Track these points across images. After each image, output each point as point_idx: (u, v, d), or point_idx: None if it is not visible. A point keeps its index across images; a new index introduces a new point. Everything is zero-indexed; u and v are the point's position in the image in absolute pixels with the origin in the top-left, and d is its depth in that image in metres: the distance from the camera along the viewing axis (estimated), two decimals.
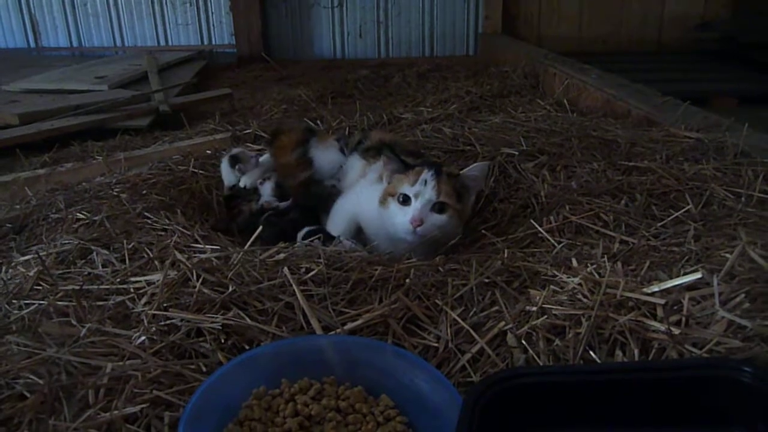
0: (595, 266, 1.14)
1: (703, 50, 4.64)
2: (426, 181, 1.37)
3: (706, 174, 1.59)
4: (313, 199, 1.75)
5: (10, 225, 1.64)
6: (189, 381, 0.94)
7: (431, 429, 0.87)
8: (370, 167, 1.68)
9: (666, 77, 3.70)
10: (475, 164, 1.47)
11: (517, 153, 1.87)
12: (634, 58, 4.53)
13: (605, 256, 1.22)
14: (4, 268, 1.38)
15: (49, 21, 4.76)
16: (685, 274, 1.04)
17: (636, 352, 0.93)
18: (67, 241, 1.40)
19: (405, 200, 1.39)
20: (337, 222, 1.59)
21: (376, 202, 1.47)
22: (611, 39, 4.84)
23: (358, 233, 1.56)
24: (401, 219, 1.38)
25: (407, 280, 1.15)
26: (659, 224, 1.38)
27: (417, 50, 4.83)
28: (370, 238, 1.52)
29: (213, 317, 1.04)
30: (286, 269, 1.14)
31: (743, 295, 0.96)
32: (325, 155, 1.81)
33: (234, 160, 1.80)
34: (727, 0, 4.84)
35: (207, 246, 1.31)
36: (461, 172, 1.45)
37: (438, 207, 1.38)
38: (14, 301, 1.20)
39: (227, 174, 1.83)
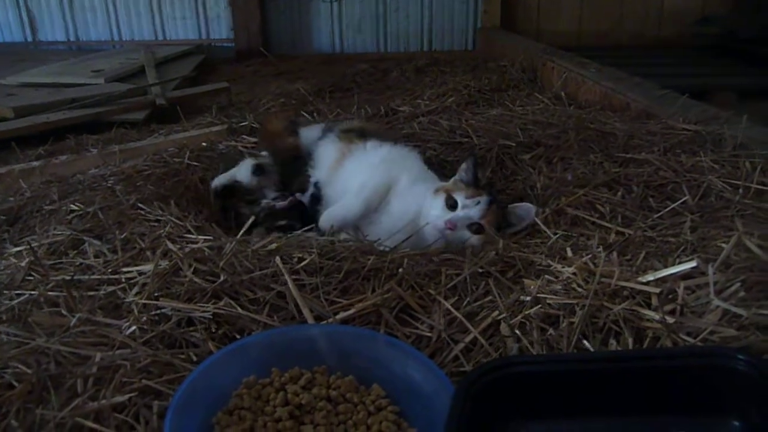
0: (590, 256, 1.13)
1: (702, 45, 4.62)
2: (479, 202, 1.39)
3: (704, 166, 1.58)
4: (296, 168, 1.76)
5: (3, 217, 1.63)
6: (179, 370, 0.94)
7: (423, 418, 0.87)
8: (349, 151, 1.67)
9: (665, 72, 3.68)
10: (523, 204, 1.46)
11: (514, 145, 1.86)
12: (634, 52, 4.51)
13: (601, 246, 1.21)
14: None
15: (46, 15, 4.73)
16: (681, 263, 1.03)
17: (630, 341, 0.92)
18: (59, 232, 1.39)
19: (452, 205, 1.40)
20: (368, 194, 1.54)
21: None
22: (611, 34, 4.82)
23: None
24: (438, 213, 1.40)
25: (400, 270, 1.14)
26: (656, 216, 1.38)
27: (415, 45, 4.81)
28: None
29: (204, 306, 1.04)
30: (278, 258, 1.13)
31: (738, 284, 0.96)
32: (310, 132, 1.87)
33: (259, 170, 1.77)
34: None
35: (199, 236, 1.30)
36: (509, 206, 1.45)
37: (475, 228, 1.38)
38: (5, 291, 1.19)
39: (244, 175, 1.78)
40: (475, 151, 1.51)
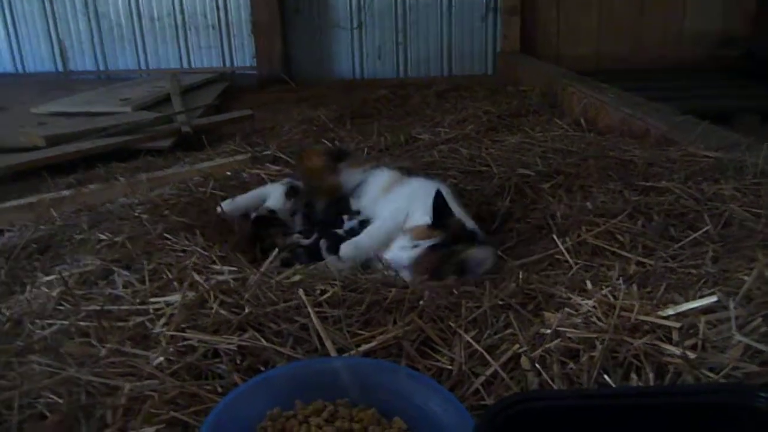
0: (610, 289, 1.13)
1: (723, 67, 4.60)
2: (417, 246, 1.41)
3: (725, 194, 1.58)
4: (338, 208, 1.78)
5: (35, 245, 1.68)
6: (205, 402, 0.96)
7: None
8: (399, 181, 1.70)
9: (686, 95, 3.68)
10: (479, 250, 1.43)
11: (533, 174, 1.87)
12: (654, 75, 4.50)
13: (621, 277, 1.21)
14: (28, 288, 1.41)
15: (76, 46, 4.90)
16: (701, 297, 1.03)
17: (651, 376, 0.92)
18: (89, 262, 1.43)
19: (415, 245, 1.42)
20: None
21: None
22: (630, 57, 4.82)
23: None
24: (399, 251, 1.43)
25: (421, 302, 1.15)
26: (677, 245, 1.37)
27: (435, 69, 4.86)
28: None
29: (229, 338, 1.06)
30: (301, 291, 1.15)
31: (760, 319, 0.95)
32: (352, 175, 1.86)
33: (293, 192, 1.80)
34: (748, 16, 4.80)
35: (225, 267, 1.33)
36: (467, 253, 1.42)
37: (420, 268, 1.39)
38: (37, 320, 1.22)
39: (277, 200, 1.81)
40: (440, 189, 1.50)
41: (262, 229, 1.74)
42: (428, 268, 1.39)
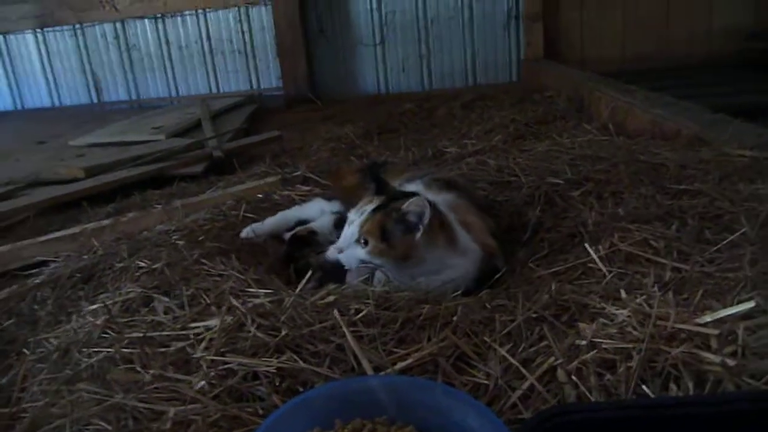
0: (644, 297, 1.12)
1: (752, 61, 4.49)
2: (361, 213, 1.40)
3: (762, 194, 1.55)
4: None
5: (79, 275, 1.74)
6: (246, 424, 0.98)
7: None
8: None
9: (716, 92, 3.60)
10: (411, 200, 1.39)
11: (562, 182, 1.86)
12: (683, 73, 4.43)
13: (656, 284, 1.20)
14: (74, 317, 1.46)
15: (110, 77, 5.07)
16: (740, 302, 1.01)
17: (690, 385, 0.91)
18: (131, 290, 1.48)
19: (348, 221, 1.44)
20: None
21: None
22: (656, 56, 4.75)
23: None
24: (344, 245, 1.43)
25: (454, 318, 1.16)
26: (713, 249, 1.35)
27: (460, 80, 4.88)
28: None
29: (268, 361, 1.08)
30: (336, 311, 1.17)
31: None
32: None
33: (341, 223, 1.81)
34: None
35: (260, 290, 1.36)
36: (402, 207, 1.39)
37: (363, 241, 1.39)
38: (84, 349, 1.27)
39: (324, 226, 1.82)
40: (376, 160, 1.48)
41: (296, 250, 1.77)
42: (375, 228, 1.38)
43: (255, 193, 2.22)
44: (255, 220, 1.91)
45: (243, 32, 4.91)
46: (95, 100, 5.11)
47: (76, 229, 2.12)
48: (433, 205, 1.42)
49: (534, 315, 1.15)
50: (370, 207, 1.42)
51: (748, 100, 3.43)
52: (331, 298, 1.26)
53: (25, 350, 1.37)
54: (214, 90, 5.01)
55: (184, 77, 5.01)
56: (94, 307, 1.47)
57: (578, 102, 3.27)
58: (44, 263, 1.95)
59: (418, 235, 1.39)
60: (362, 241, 1.39)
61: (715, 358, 0.92)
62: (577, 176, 1.88)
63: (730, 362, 0.90)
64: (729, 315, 0.99)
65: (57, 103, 5.17)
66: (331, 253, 1.43)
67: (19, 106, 5.23)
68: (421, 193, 1.47)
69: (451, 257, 1.44)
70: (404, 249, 1.40)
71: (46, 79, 5.12)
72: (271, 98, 4.93)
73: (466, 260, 1.45)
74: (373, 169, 1.51)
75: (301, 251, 1.74)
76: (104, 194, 2.65)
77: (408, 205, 1.38)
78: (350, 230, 1.41)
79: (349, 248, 1.41)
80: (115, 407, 1.04)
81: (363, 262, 1.40)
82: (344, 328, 1.12)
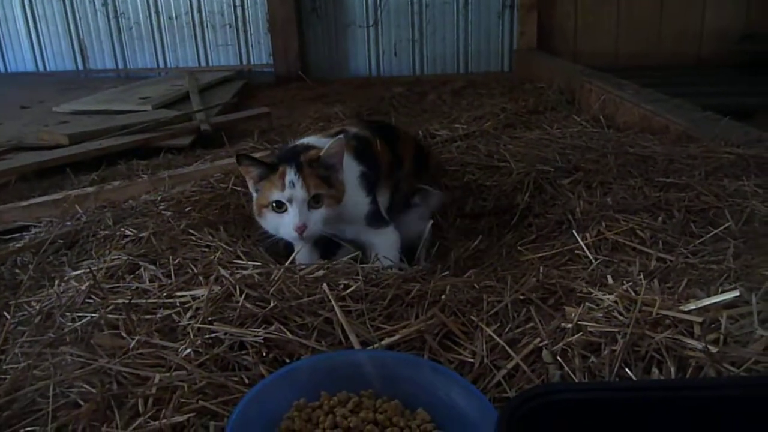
0: (631, 284, 1.14)
1: (743, 63, 4.54)
2: (293, 182, 1.34)
3: (747, 191, 1.57)
4: None
5: (62, 241, 1.72)
6: (232, 392, 0.98)
7: None
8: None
9: (707, 91, 3.64)
10: (330, 143, 1.38)
11: (552, 170, 1.88)
12: (674, 72, 4.46)
13: (642, 273, 1.22)
14: (57, 282, 1.45)
15: (96, 45, 4.97)
16: (723, 292, 1.03)
17: (673, 370, 0.93)
18: (116, 257, 1.47)
19: (279, 206, 1.36)
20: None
21: None
22: (649, 53, 4.78)
23: None
24: (285, 228, 1.37)
25: (443, 297, 1.17)
26: (698, 241, 1.37)
27: (452, 67, 4.86)
28: None
29: (255, 331, 1.08)
30: (325, 285, 1.17)
31: None
32: None
33: None
34: None
35: (249, 262, 1.35)
36: (320, 154, 1.38)
37: (314, 201, 1.35)
38: (67, 313, 1.26)
39: None
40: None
41: None
42: (317, 180, 1.36)
43: None
44: (244, 193, 1.89)
45: (235, 6, 4.84)
46: (81, 67, 5.01)
47: (59, 195, 2.09)
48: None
49: (521, 297, 1.17)
50: (293, 175, 1.34)
51: (736, 102, 3.47)
52: (321, 272, 1.26)
53: (5, 313, 1.35)
54: (203, 63, 4.94)
55: (173, 49, 4.93)
56: (78, 272, 1.45)
57: (569, 94, 3.28)
58: (25, 228, 1.92)
59: (340, 172, 1.39)
60: (314, 202, 1.35)
61: (698, 345, 0.94)
62: (567, 165, 1.90)
63: (713, 349, 0.92)
64: (713, 303, 1.01)
65: (41, 68, 5.06)
66: (293, 236, 1.37)
67: (2, 69, 5.12)
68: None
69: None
70: (341, 187, 1.40)
71: (31, 43, 5.01)
72: (260, 75, 4.88)
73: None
74: (247, 158, 1.44)
75: None
76: (89, 162, 2.61)
77: (329, 149, 1.37)
78: (296, 203, 1.34)
79: (309, 219, 1.35)
80: (99, 371, 1.03)
81: (326, 220, 1.37)
82: (333, 302, 1.12)
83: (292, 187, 1.34)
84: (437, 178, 1.93)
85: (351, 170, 1.47)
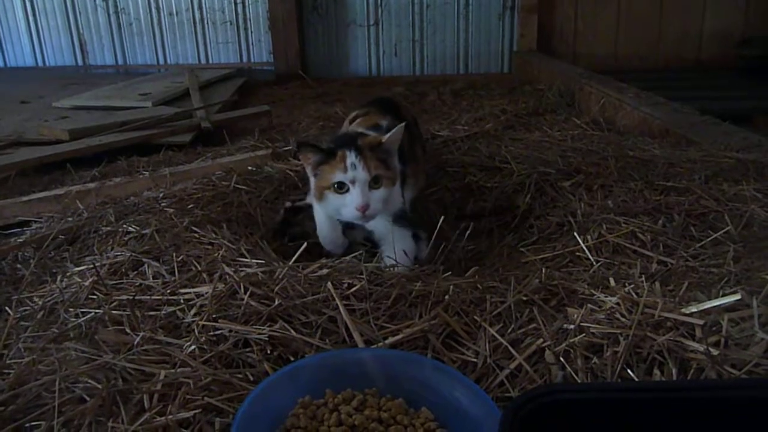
0: (632, 286, 1.15)
1: (744, 67, 4.57)
2: (354, 164, 1.40)
3: (746, 195, 1.59)
4: None
5: (63, 236, 1.72)
6: (237, 389, 0.99)
7: None
8: None
9: (706, 95, 3.66)
10: (394, 129, 1.46)
11: (553, 171, 1.89)
12: (673, 75, 4.48)
13: (643, 276, 1.23)
14: (59, 278, 1.45)
15: (96, 40, 4.96)
16: (724, 295, 1.04)
17: (674, 371, 0.94)
18: (119, 253, 1.47)
19: (341, 186, 1.43)
20: None
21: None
22: (649, 56, 4.80)
23: None
24: (348, 208, 1.43)
25: (446, 297, 1.17)
26: (698, 245, 1.38)
27: (452, 68, 4.87)
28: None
29: (260, 329, 1.09)
30: (329, 284, 1.18)
31: None
32: None
33: None
34: None
35: (253, 260, 1.36)
36: (383, 139, 1.46)
37: (374, 182, 1.42)
38: (71, 309, 1.26)
39: None
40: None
41: (292, 217, 1.78)
42: (380, 162, 1.43)
43: (246, 165, 2.21)
44: (246, 192, 1.90)
45: (235, 3, 4.84)
46: (80, 63, 5.00)
47: (60, 191, 2.09)
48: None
49: (524, 298, 1.17)
50: (354, 158, 1.41)
51: (734, 105, 3.49)
52: (324, 271, 1.27)
53: (7, 308, 1.35)
54: (203, 61, 4.93)
55: (174, 45, 4.92)
56: (81, 268, 1.45)
57: (569, 96, 3.29)
58: (26, 223, 1.92)
59: (395, 157, 1.48)
60: (373, 183, 1.42)
61: (699, 347, 0.95)
62: (568, 167, 1.91)
63: (714, 351, 0.93)
64: (714, 306, 1.02)
65: (41, 63, 5.05)
66: (356, 215, 1.43)
67: (1, 64, 5.10)
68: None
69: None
70: (396, 172, 1.48)
71: (31, 37, 5.00)
72: (260, 73, 4.88)
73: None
74: (305, 145, 1.51)
75: (295, 217, 1.74)
76: (89, 158, 2.61)
77: (391, 135, 1.45)
78: (359, 183, 1.41)
79: (372, 199, 1.41)
80: (104, 367, 1.04)
81: (384, 202, 1.43)
82: (337, 301, 1.13)
83: (354, 168, 1.41)
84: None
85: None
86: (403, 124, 1.47)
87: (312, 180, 1.51)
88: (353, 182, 1.41)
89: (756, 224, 1.45)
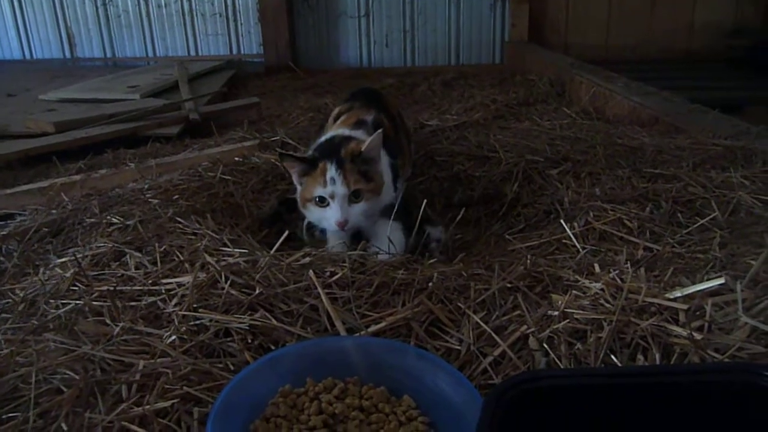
0: (617, 272, 1.14)
1: (734, 58, 4.56)
2: (334, 179, 1.41)
3: (734, 182, 1.58)
4: None
5: (47, 229, 1.70)
6: (217, 379, 0.97)
7: (453, 429, 0.89)
8: None
9: (696, 85, 3.65)
10: (371, 137, 1.45)
11: (542, 160, 1.88)
12: (664, 66, 4.47)
13: (629, 262, 1.22)
14: (42, 270, 1.43)
15: (84, 33, 4.91)
16: (709, 279, 1.04)
17: (657, 356, 0.93)
18: (101, 244, 1.45)
19: (322, 200, 1.43)
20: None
21: None
22: (639, 47, 4.79)
23: None
24: (328, 221, 1.44)
25: (430, 284, 1.16)
26: (684, 231, 1.38)
27: (443, 58, 4.84)
28: None
29: (240, 318, 1.08)
30: (311, 272, 1.17)
31: (767, 301, 0.96)
32: None
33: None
34: (759, 7, 4.77)
35: (236, 249, 1.34)
36: (362, 148, 1.44)
37: (354, 196, 1.42)
38: (51, 300, 1.24)
39: None
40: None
41: (285, 212, 1.77)
42: (356, 176, 1.43)
43: (233, 155, 2.19)
44: (233, 182, 1.88)
45: None
46: (68, 56, 4.95)
47: (44, 183, 2.07)
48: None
49: (508, 285, 1.17)
50: (334, 172, 1.41)
51: (725, 96, 3.48)
52: (307, 259, 1.25)
53: None
54: (192, 53, 4.89)
55: (162, 37, 4.87)
56: (63, 260, 1.44)
57: (559, 86, 3.28)
58: (10, 216, 1.90)
59: (381, 162, 1.47)
60: (353, 197, 1.42)
61: (683, 332, 0.94)
62: (556, 155, 1.90)
63: (697, 336, 0.92)
64: (698, 291, 1.01)
65: (28, 56, 4.99)
66: (335, 229, 1.44)
67: None
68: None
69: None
70: (380, 180, 1.47)
71: (17, 30, 4.94)
72: (250, 64, 4.84)
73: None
74: (287, 156, 1.52)
75: (290, 214, 1.73)
76: (75, 151, 2.58)
77: (369, 143, 1.43)
78: (338, 198, 1.41)
79: (350, 214, 1.42)
80: (83, 358, 1.02)
81: (365, 213, 1.44)
82: (319, 289, 1.12)
83: (333, 183, 1.41)
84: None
85: (384, 161, 1.55)
86: (380, 131, 1.46)
87: (298, 188, 1.52)
88: (332, 197, 1.41)
89: (743, 210, 1.44)
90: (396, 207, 1.52)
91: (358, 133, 1.57)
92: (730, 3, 4.75)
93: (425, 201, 1.49)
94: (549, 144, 2.01)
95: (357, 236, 1.57)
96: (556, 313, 1.04)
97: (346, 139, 1.53)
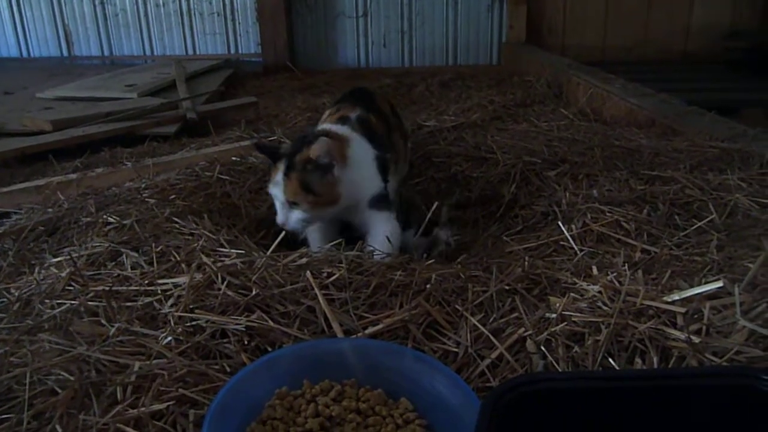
0: (615, 274, 1.14)
1: (731, 60, 4.57)
2: (278, 183, 1.43)
3: (731, 184, 1.58)
4: None
5: (43, 227, 1.69)
6: (213, 380, 0.97)
7: None
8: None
9: (693, 87, 3.65)
10: (315, 144, 1.42)
11: (539, 161, 1.88)
12: (661, 67, 4.48)
13: (626, 264, 1.22)
14: (37, 269, 1.42)
15: (81, 31, 4.89)
16: (707, 283, 1.04)
17: (655, 359, 0.93)
18: (97, 244, 1.44)
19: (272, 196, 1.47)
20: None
21: None
22: (636, 48, 4.80)
23: None
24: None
25: (428, 286, 1.16)
26: (682, 234, 1.38)
27: (440, 59, 4.84)
28: None
29: (237, 319, 1.07)
30: (308, 273, 1.16)
31: (765, 305, 0.96)
32: None
33: None
34: (756, 9, 4.78)
35: (232, 250, 1.34)
36: (311, 155, 1.41)
37: (293, 203, 1.42)
38: (46, 300, 1.23)
39: None
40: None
41: None
42: (296, 188, 1.41)
43: (230, 155, 2.18)
44: (230, 182, 1.87)
45: None
46: (66, 54, 4.93)
47: (41, 182, 2.06)
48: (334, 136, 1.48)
49: (506, 287, 1.16)
50: (279, 175, 1.42)
51: (722, 97, 3.49)
52: (304, 260, 1.25)
53: None
54: (190, 52, 4.87)
55: (160, 36, 4.86)
56: (59, 259, 1.43)
57: (557, 87, 3.28)
58: (6, 215, 1.89)
59: (336, 171, 1.42)
60: (290, 205, 1.42)
61: (681, 335, 0.94)
62: (554, 157, 1.90)
63: (695, 339, 0.92)
64: (696, 294, 1.01)
65: (25, 54, 4.97)
66: (312, 232, 1.49)
67: None
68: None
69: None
70: (331, 190, 1.43)
71: (15, 27, 4.92)
72: (248, 64, 4.83)
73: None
74: (259, 147, 1.59)
75: None
76: (72, 149, 2.57)
77: (313, 152, 1.40)
78: (278, 202, 1.45)
79: (289, 219, 1.43)
80: (78, 358, 1.02)
81: (306, 220, 1.44)
82: (316, 290, 1.11)
83: (276, 186, 1.43)
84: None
85: (367, 155, 1.53)
86: (324, 138, 1.42)
87: None
88: (275, 198, 1.45)
89: (740, 213, 1.44)
90: (392, 204, 1.52)
91: (343, 129, 1.56)
92: (727, 5, 4.76)
93: (435, 203, 1.49)
94: (546, 145, 2.01)
95: (348, 228, 1.58)
96: (554, 315, 1.04)
97: (324, 134, 1.49)
